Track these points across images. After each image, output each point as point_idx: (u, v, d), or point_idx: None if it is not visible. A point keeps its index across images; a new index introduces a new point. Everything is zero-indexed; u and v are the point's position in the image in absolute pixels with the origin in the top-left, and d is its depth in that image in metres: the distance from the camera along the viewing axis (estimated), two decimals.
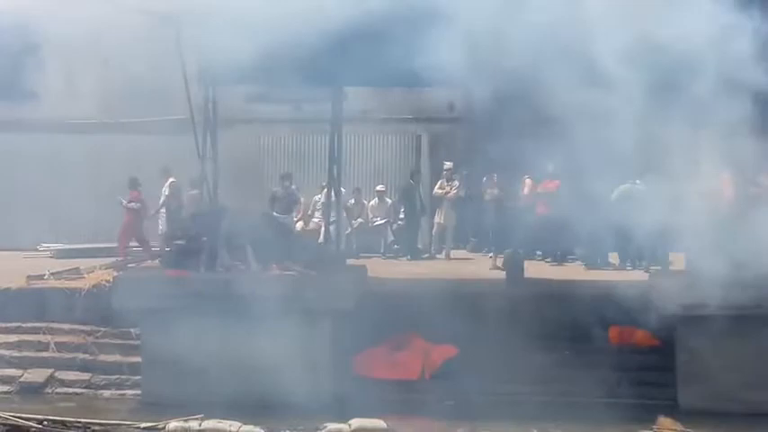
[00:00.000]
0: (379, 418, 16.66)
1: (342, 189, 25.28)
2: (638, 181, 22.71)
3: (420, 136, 28.87)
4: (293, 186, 25.27)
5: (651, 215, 18.94)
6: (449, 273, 22.72)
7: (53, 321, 21.25)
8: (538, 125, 18.37)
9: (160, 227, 24.81)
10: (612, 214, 19.84)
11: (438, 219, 26.63)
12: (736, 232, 18.13)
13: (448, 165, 26.69)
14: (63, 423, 16.85)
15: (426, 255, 26.39)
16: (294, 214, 25.35)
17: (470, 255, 26.78)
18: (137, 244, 25.13)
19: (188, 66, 19.78)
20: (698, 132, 17.86)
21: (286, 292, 18.74)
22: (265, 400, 17.74)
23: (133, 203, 24.57)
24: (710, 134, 17.82)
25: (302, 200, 25.91)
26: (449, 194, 26.37)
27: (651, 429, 17.10)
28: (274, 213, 23.17)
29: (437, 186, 26.70)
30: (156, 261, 22.60)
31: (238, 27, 18.01)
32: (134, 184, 24.70)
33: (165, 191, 24.84)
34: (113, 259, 24.01)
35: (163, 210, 24.84)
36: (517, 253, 22.36)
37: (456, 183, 26.47)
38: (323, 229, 24.18)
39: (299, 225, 25.69)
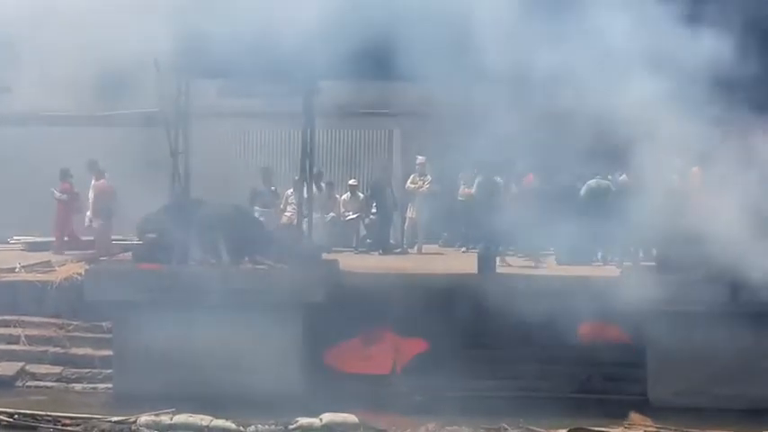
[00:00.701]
0: (350, 412, 16.71)
1: (322, 185, 25.42)
2: (609, 176, 22.80)
3: (392, 131, 28.84)
4: None
5: (620, 210, 19.02)
6: (421, 267, 22.72)
7: (24, 314, 21.16)
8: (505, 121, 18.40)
9: (86, 222, 24.92)
10: (581, 210, 19.91)
11: (410, 213, 26.62)
12: (705, 227, 18.20)
13: (420, 159, 26.65)
14: (34, 416, 16.85)
15: (398, 249, 26.35)
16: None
17: (442, 250, 26.78)
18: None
19: (160, 58, 19.72)
20: (666, 127, 17.97)
21: (257, 286, 18.79)
22: (237, 394, 17.74)
23: (63, 195, 24.71)
24: (678, 129, 17.92)
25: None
26: (421, 189, 26.36)
27: (622, 425, 17.17)
28: (256, 208, 23.33)
29: (409, 181, 26.66)
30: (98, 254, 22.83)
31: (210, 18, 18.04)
32: (64, 175, 24.96)
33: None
34: (82, 252, 24.02)
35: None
36: (489, 248, 22.36)
37: (428, 177, 26.46)
38: (295, 222, 24.13)
39: None
